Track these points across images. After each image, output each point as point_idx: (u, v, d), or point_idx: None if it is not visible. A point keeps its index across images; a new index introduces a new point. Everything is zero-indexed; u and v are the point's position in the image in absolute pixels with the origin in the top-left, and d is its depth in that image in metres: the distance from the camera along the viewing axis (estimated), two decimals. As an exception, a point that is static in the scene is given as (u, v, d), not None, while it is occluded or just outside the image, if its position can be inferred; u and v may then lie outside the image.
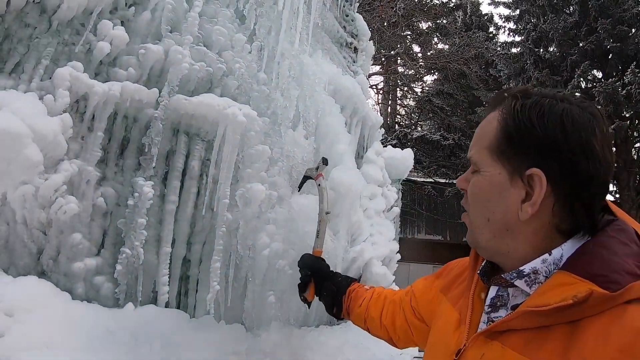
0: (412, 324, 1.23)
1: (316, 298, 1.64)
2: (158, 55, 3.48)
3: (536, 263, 0.79)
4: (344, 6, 6.51)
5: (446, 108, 16.26)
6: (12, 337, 2.67)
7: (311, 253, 1.72)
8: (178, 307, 3.64)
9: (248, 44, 4.05)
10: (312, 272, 1.62)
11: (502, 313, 0.83)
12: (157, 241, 3.37)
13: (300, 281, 1.65)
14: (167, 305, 3.48)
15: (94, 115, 3.31)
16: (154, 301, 3.43)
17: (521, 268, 0.80)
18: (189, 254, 3.59)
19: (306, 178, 2.07)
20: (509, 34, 15.59)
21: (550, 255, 0.79)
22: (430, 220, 15.56)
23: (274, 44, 4.27)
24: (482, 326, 0.85)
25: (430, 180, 16.17)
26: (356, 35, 6.97)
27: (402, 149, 7.62)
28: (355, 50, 6.86)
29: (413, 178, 15.57)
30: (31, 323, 2.78)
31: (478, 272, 0.92)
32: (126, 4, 3.66)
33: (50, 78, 3.22)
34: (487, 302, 0.87)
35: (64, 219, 3.08)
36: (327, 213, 1.82)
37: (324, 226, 1.76)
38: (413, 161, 7.50)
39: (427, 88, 17.35)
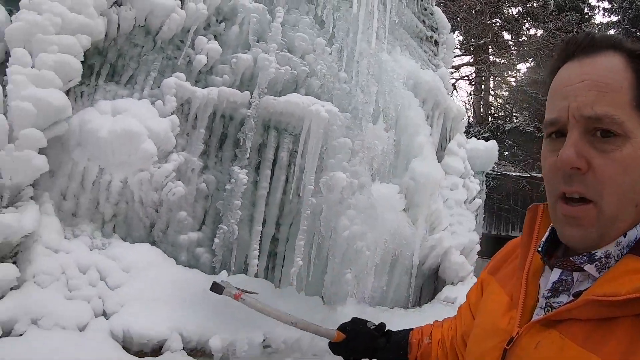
0: (459, 329, 1.08)
1: None
2: (248, 63, 4.01)
3: (610, 247, 0.69)
4: (422, 0, 6.64)
5: (541, 98, 15.35)
6: (128, 288, 3.32)
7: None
8: (265, 279, 4.14)
9: (328, 47, 4.45)
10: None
11: (563, 299, 0.73)
12: (250, 221, 3.91)
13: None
14: (255, 276, 3.98)
15: (196, 116, 3.92)
16: (245, 272, 3.94)
17: (594, 252, 0.69)
18: (278, 233, 4.09)
19: (220, 292, 1.65)
20: (604, 14, 14.32)
21: (625, 237, 0.68)
22: (524, 216, 14.78)
23: (352, 44, 4.64)
24: (539, 312, 0.76)
25: (527, 174, 15.39)
26: (436, 29, 7.06)
27: (497, 141, 7.51)
28: (436, 43, 6.96)
29: (508, 172, 14.91)
30: (143, 279, 3.40)
31: (538, 249, 0.79)
32: (217, 20, 4.23)
33: (158, 87, 3.88)
34: (548, 285, 0.76)
35: (173, 200, 3.70)
36: (294, 322, 1.58)
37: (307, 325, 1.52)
38: (497, 153, 7.38)
39: (520, 77, 16.54)
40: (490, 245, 6.64)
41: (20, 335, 2.78)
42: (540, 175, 15.76)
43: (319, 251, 4.04)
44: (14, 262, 3.00)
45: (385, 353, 1.31)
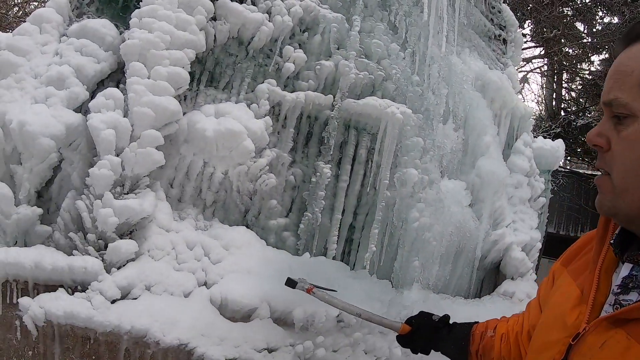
0: (518, 336, 1.07)
1: None
2: (330, 69, 4.49)
3: None
4: (490, -2, 6.77)
5: (616, 92, 14.63)
6: (227, 263, 3.85)
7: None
8: (341, 262, 4.62)
9: (401, 52, 4.83)
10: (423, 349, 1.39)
11: (634, 297, 0.71)
12: (331, 210, 4.41)
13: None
14: (333, 259, 4.45)
15: (286, 117, 4.46)
16: (324, 254, 4.42)
17: None
18: (354, 222, 4.57)
19: (294, 286, 2.15)
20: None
21: None
22: (595, 216, 14.19)
23: (424, 49, 4.99)
24: (608, 309, 0.74)
25: (598, 172, 14.75)
26: (504, 27, 7.15)
27: (565, 138, 7.47)
28: (504, 41, 7.07)
29: (579, 171, 14.40)
30: (239, 255, 3.92)
31: (611, 241, 0.77)
32: (300, 30, 4.70)
33: (252, 91, 4.42)
34: (618, 281, 0.74)
35: (265, 190, 4.25)
36: (358, 315, 1.72)
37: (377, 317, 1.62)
38: (564, 152, 7.37)
39: (593, 69, 15.84)
40: (557, 245, 6.66)
41: (135, 299, 3.34)
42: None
43: (391, 239, 4.48)
44: (131, 239, 3.58)
45: (448, 343, 1.30)
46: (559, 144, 7.52)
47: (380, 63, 4.67)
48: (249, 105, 4.28)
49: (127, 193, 3.62)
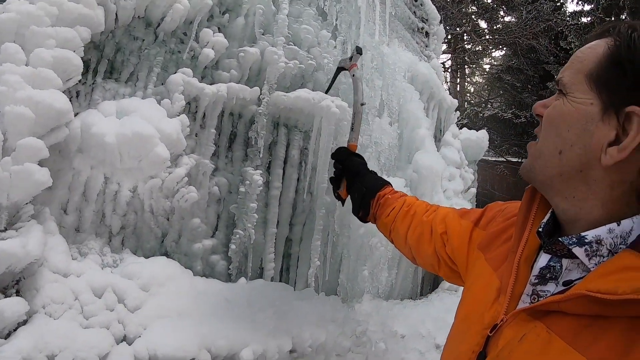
0: (442, 259, 1.10)
1: None
2: (255, 57, 3.85)
3: (601, 231, 0.67)
4: (412, -9, 6.59)
5: (517, 84, 15.67)
6: (149, 308, 3.13)
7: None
8: (280, 281, 4.05)
9: (332, 40, 4.33)
10: (343, 167, 1.43)
11: (551, 288, 0.71)
12: (264, 223, 3.79)
13: (333, 176, 1.49)
14: (272, 280, 3.89)
15: (204, 114, 3.75)
16: (261, 276, 3.85)
17: (583, 234, 0.69)
18: (291, 234, 3.99)
19: (340, 69, 1.88)
20: (577, 3, 14.66)
21: (618, 225, 0.67)
22: (503, 200, 15.15)
23: (356, 37, 4.53)
24: (525, 299, 0.73)
25: (503, 159, 15.75)
26: (426, 20, 7.02)
27: (473, 129, 7.59)
28: (427, 34, 6.93)
29: (485, 157, 15.19)
30: (163, 295, 3.23)
31: (540, 229, 0.77)
32: (220, 11, 4.03)
33: (162, 84, 3.67)
34: (535, 271, 0.73)
35: (185, 206, 3.54)
36: (362, 104, 1.61)
37: (359, 118, 1.54)
38: (488, 142, 7.49)
39: (495, 64, 16.80)
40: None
41: (37, 378, 2.50)
42: (516, 160, 16.07)
43: (334, 250, 3.98)
44: (17, 291, 2.73)
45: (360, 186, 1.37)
46: (483, 134, 7.59)
47: (310, 51, 4.13)
48: (159, 102, 3.50)
49: (5, 230, 2.70)
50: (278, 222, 3.85)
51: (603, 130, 0.68)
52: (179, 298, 3.27)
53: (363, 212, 1.39)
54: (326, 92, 2.16)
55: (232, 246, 3.63)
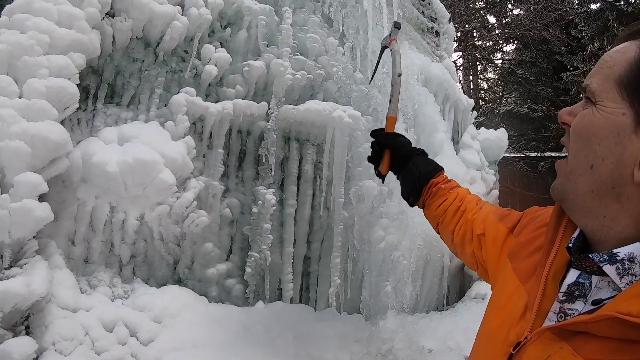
0: (478, 261, 1.06)
1: None
2: (261, 70, 3.70)
3: (634, 248, 0.63)
4: (419, -10, 6.41)
5: (530, 78, 15.31)
6: (162, 341, 3.00)
7: (384, 122, 1.43)
8: (300, 302, 3.87)
9: (340, 47, 4.16)
10: (393, 148, 1.36)
11: (579, 306, 0.67)
12: (280, 242, 3.62)
13: (370, 155, 1.43)
14: (291, 301, 3.71)
15: (211, 134, 3.60)
16: (279, 298, 3.68)
17: (615, 251, 0.64)
18: (309, 252, 3.80)
19: (383, 49, 1.77)
20: (586, -8, 14.28)
21: None
22: (525, 198, 14.78)
23: (364, 42, 4.36)
24: (552, 317, 0.69)
25: (521, 155, 15.37)
26: (435, 19, 6.82)
27: (489, 126, 7.36)
28: (437, 34, 6.73)
29: (504, 154, 14.87)
30: (177, 327, 3.10)
31: (570, 244, 0.73)
32: (221, 25, 3.90)
33: (165, 105, 3.54)
34: (563, 288, 0.69)
35: (196, 231, 3.40)
36: (399, 75, 1.52)
37: (397, 90, 1.46)
38: (507, 141, 7.24)
39: (507, 58, 16.46)
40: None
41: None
42: (534, 154, 15.60)
43: (355, 266, 3.79)
44: (27, 328, 2.63)
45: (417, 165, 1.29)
46: (502, 133, 7.33)
47: (317, 60, 3.96)
48: (162, 124, 3.37)
49: (9, 267, 2.60)
50: (295, 240, 3.67)
51: (636, 143, 0.63)
52: (194, 328, 3.14)
53: (413, 198, 1.30)
54: (371, 79, 2.06)
55: (248, 269, 3.46)
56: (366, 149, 3.84)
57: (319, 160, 3.73)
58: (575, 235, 0.73)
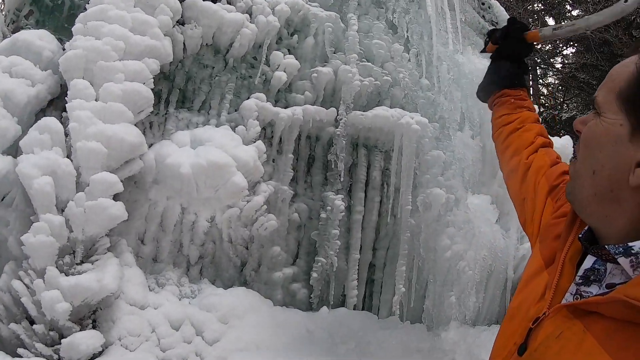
0: (527, 212, 1.05)
1: None
2: (329, 77, 3.73)
3: None
4: (480, -5, 6.28)
5: (592, 82, 14.60)
6: (227, 341, 3.06)
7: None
8: (363, 309, 3.85)
9: (405, 53, 4.13)
10: (503, 44, 1.29)
11: (594, 289, 0.72)
12: (347, 249, 3.62)
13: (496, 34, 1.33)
14: (354, 308, 3.70)
15: (281, 139, 3.65)
16: (343, 304, 3.68)
17: (631, 244, 0.68)
18: (374, 259, 3.78)
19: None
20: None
21: None
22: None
23: (429, 48, 4.30)
24: (569, 297, 0.74)
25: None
26: (496, 23, 6.66)
27: (551, 133, 7.05)
28: (499, 38, 6.57)
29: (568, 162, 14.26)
30: (243, 328, 3.16)
31: (580, 236, 0.78)
32: (288, 32, 3.96)
33: (235, 110, 3.62)
34: (580, 272, 0.75)
35: (264, 235, 3.45)
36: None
37: (568, 29, 1.26)
38: (572, 148, 6.92)
39: (567, 62, 15.77)
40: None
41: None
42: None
43: (419, 275, 3.73)
44: (94, 321, 2.74)
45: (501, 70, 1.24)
46: (567, 140, 7.06)
47: (384, 67, 3.95)
48: (234, 129, 3.46)
49: (81, 262, 2.72)
50: (361, 247, 3.65)
51: (631, 152, 0.68)
52: (258, 330, 3.18)
53: (483, 95, 1.31)
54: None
55: (314, 274, 3.49)
56: (434, 156, 3.79)
57: (386, 167, 3.71)
58: (586, 228, 0.79)
